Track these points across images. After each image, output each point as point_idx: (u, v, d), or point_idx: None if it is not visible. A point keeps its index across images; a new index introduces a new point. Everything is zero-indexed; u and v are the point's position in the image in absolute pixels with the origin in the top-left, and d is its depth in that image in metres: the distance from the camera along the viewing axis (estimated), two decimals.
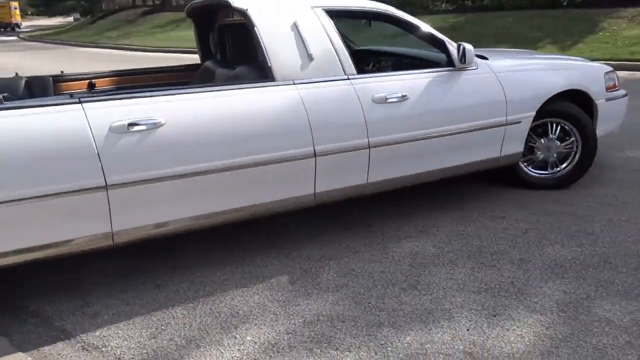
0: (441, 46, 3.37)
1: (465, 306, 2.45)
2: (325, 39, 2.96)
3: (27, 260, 2.33)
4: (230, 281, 2.74)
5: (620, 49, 11.00)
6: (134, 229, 2.50)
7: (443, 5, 18.44)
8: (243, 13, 2.91)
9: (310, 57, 2.88)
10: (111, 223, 2.43)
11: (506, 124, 3.39)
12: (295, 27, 2.90)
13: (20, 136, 2.22)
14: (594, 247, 2.97)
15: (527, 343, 2.18)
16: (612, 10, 14.18)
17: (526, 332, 2.25)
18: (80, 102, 2.37)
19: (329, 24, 3.01)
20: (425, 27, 3.38)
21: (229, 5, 2.99)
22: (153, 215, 2.52)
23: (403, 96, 3.04)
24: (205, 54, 3.96)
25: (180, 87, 2.70)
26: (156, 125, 2.44)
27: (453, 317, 2.37)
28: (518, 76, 3.49)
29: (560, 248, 2.98)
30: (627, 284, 2.60)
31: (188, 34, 20.99)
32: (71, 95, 2.46)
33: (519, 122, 3.44)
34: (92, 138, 2.33)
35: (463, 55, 3.22)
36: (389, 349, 2.17)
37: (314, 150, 2.79)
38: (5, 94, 2.87)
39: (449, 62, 3.33)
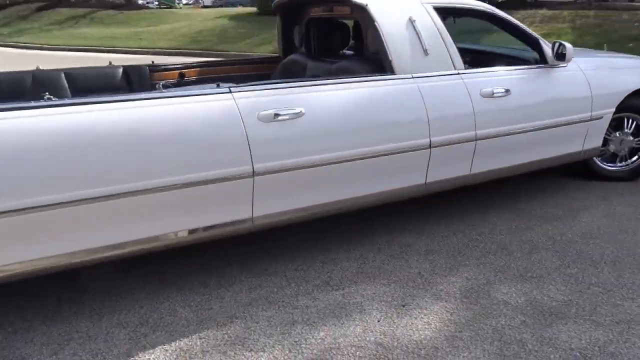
0: (535, 44, 3.50)
1: (376, 298, 2.53)
2: (437, 34, 3.05)
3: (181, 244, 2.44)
4: (139, 289, 2.64)
5: None
6: (274, 214, 2.59)
7: None
8: (362, 8, 2.97)
9: (425, 52, 2.97)
10: (252, 209, 2.51)
11: (590, 120, 3.54)
12: (410, 22, 3.00)
13: (177, 123, 2.29)
14: (493, 235, 3.18)
15: (434, 329, 2.28)
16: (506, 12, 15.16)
17: (432, 319, 2.36)
18: (230, 92, 2.45)
19: (438, 20, 3.09)
20: (521, 25, 3.54)
21: (346, 1, 3.14)
22: (293, 201, 2.61)
23: (507, 91, 3.17)
24: (286, 48, 4.00)
25: (317, 79, 2.80)
26: (298, 115, 2.52)
27: (364, 310, 2.43)
28: (602, 73, 3.66)
29: (462, 237, 3.15)
30: (522, 267, 2.80)
31: (90, 32, 20.07)
32: (218, 85, 2.58)
33: (600, 118, 3.59)
34: (243, 126, 2.40)
35: (562, 53, 3.36)
36: (303, 345, 2.19)
37: (430, 142, 2.89)
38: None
39: (542, 60, 3.46)
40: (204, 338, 2.25)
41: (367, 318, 2.37)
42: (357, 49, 3.73)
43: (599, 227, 3.25)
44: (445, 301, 2.50)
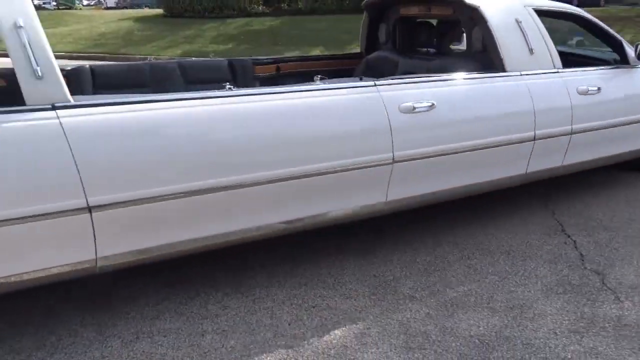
0: (619, 46, 3.74)
1: (287, 302, 2.54)
2: (539, 34, 3.29)
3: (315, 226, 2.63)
4: (33, 311, 2.47)
5: None
6: (405, 198, 2.83)
7: (260, 7, 18.81)
8: (474, 9, 3.20)
9: (531, 51, 3.21)
10: (387, 194, 2.73)
11: None
12: (517, 23, 3.22)
13: (328, 114, 2.51)
14: (398, 233, 3.29)
15: (343, 328, 2.33)
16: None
17: (342, 318, 2.41)
18: (375, 85, 2.66)
19: (539, 21, 3.33)
20: (607, 28, 3.76)
21: (458, 2, 3.31)
22: (423, 187, 2.87)
23: (599, 89, 3.41)
24: (369, 45, 4.24)
25: (445, 75, 3.00)
26: (431, 107, 2.75)
27: (275, 314, 2.43)
28: None
29: (366, 236, 3.24)
30: (426, 262, 2.93)
31: None
32: (361, 79, 2.81)
33: None
34: (387, 117, 2.61)
35: None
36: (213, 355, 2.15)
37: (535, 135, 3.13)
38: None
39: (623, 60, 3.73)
40: (107, 357, 2.15)
41: (277, 322, 2.37)
42: (441, 47, 3.98)
43: (495, 218, 3.48)
44: (354, 299, 2.56)
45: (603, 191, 3.96)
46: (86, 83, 3.12)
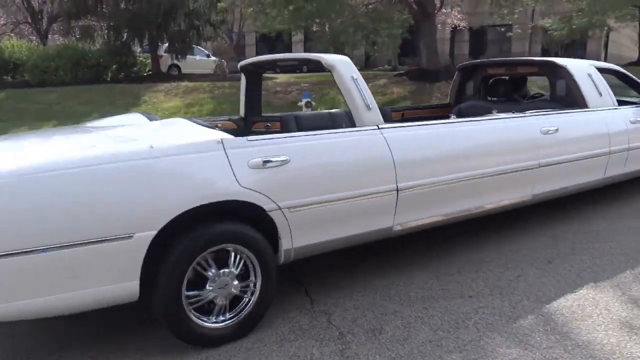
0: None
1: None
2: (603, 84, 4.77)
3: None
4: None
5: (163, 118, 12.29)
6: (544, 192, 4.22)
7: None
8: (561, 67, 4.75)
9: (600, 94, 4.67)
10: (533, 190, 4.12)
11: None
12: (589, 76, 4.72)
13: (497, 135, 3.92)
14: None
15: None
16: (151, 85, 15.78)
17: None
18: (521, 117, 4.15)
19: (600, 75, 4.83)
20: (636, 79, 5.32)
21: (550, 65, 4.92)
22: (559, 183, 4.29)
23: (638, 120, 4.86)
24: (457, 97, 5.60)
25: (561, 110, 4.48)
26: (557, 131, 4.14)
27: None
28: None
29: None
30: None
31: None
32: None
33: None
34: (534, 137, 4.03)
35: None
36: None
37: (609, 151, 4.51)
38: None
39: None
40: None
41: None
42: (518, 95, 5.38)
43: None
44: None
45: None
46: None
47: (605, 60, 32.35)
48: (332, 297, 3.22)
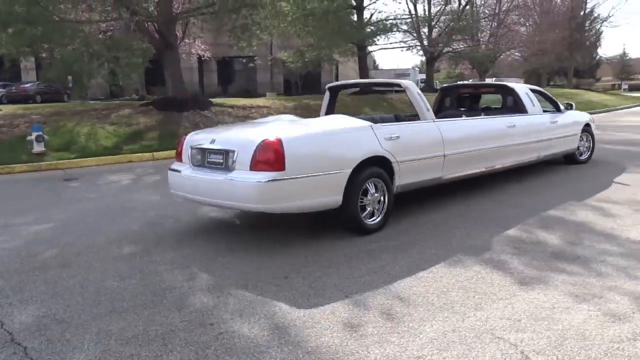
0: (556, 104, 8.26)
1: None
2: (534, 98, 7.75)
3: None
4: None
5: None
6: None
7: None
8: (512, 90, 7.74)
9: (533, 104, 7.59)
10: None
11: (572, 135, 8.28)
12: (527, 94, 7.70)
13: (492, 127, 6.87)
14: None
15: None
16: None
17: None
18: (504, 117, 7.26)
19: (532, 93, 7.88)
20: (551, 96, 8.32)
21: (504, 87, 7.99)
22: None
23: (556, 121, 7.78)
24: (439, 108, 8.56)
25: (511, 115, 7.49)
26: (514, 126, 6.91)
27: None
28: (567, 117, 8.30)
29: None
30: None
31: None
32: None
33: (575, 134, 8.36)
34: (505, 129, 6.83)
35: (570, 107, 8.58)
36: None
37: (539, 139, 7.39)
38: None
39: (558, 110, 8.18)
40: None
41: None
42: (479, 106, 8.67)
43: None
44: None
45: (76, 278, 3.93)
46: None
47: None
48: (57, 353, 2.85)
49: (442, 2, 29.94)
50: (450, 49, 31.49)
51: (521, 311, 3.26)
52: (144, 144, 12.82)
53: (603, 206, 5.84)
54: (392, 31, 25.30)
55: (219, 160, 4.73)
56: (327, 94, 7.09)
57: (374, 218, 5.02)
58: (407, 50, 29.16)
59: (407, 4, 28.20)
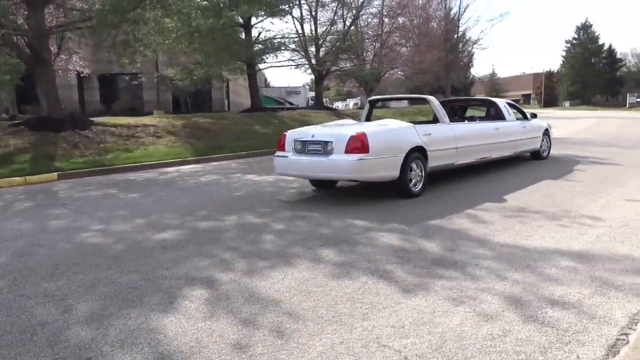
0: (524, 114, 11.63)
1: None
2: (510, 109, 10.86)
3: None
4: None
5: None
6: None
7: None
8: (493, 103, 11.11)
9: (509, 113, 10.65)
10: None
11: (537, 137, 11.39)
12: (505, 106, 10.79)
13: (486, 129, 9.91)
14: None
15: None
16: None
17: None
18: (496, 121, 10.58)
19: (508, 105, 11.05)
20: (520, 108, 12.08)
21: (488, 100, 11.82)
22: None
23: (525, 126, 10.94)
24: (434, 118, 9.53)
25: (496, 120, 10.60)
26: (499, 129, 10.05)
27: None
28: (533, 123, 11.43)
29: None
30: None
31: None
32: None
33: (538, 137, 11.50)
34: (494, 129, 9.85)
35: (535, 116, 11.86)
36: None
37: (510, 140, 10.15)
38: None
39: (526, 118, 11.43)
40: None
41: None
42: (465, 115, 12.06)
43: None
44: None
45: None
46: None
47: (228, 107, 36.30)
48: None
49: (328, 23, 30.98)
50: (338, 68, 32.57)
51: (405, 318, 3.40)
52: (15, 168, 11.77)
53: (477, 214, 6.32)
54: (280, 50, 25.62)
55: (318, 148, 7.31)
56: (367, 105, 10.32)
57: (417, 187, 7.58)
58: (295, 68, 29.62)
59: (294, 23, 28.75)
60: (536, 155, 11.66)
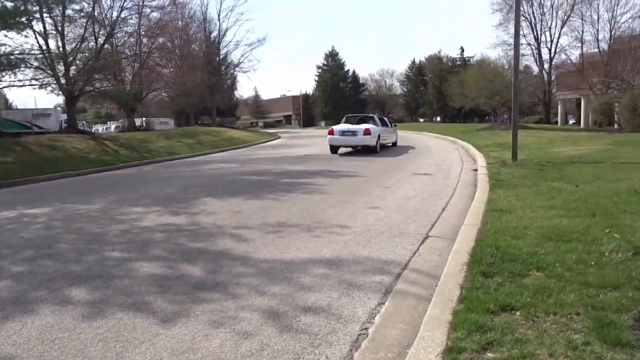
0: (391, 124, 25.61)
1: None
2: (386, 120, 24.89)
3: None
4: None
5: None
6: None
7: None
8: (382, 119, 24.18)
9: (387, 123, 24.37)
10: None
11: (394, 135, 24.35)
12: (384, 119, 24.66)
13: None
14: None
15: None
16: None
17: None
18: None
19: (381, 118, 24.50)
20: (387, 120, 26.29)
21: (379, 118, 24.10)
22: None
23: (392, 130, 24.44)
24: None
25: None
26: (383, 131, 22.25)
27: None
28: (394, 128, 25.34)
29: None
30: None
31: None
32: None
33: (394, 134, 24.61)
34: (378, 132, 21.18)
35: (395, 125, 26.74)
36: None
37: (391, 135, 23.60)
38: None
39: (392, 125, 25.41)
40: None
41: None
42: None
43: None
44: None
45: None
46: None
47: None
48: None
49: (78, 39, 28.65)
50: (92, 88, 30.32)
51: (163, 349, 3.27)
52: None
53: (240, 233, 6.47)
54: (19, 67, 22.75)
55: (350, 133, 19.46)
56: (345, 119, 22.02)
57: (377, 149, 19.77)
58: (40, 88, 26.50)
59: (36, 38, 25.68)
60: (394, 144, 23.70)
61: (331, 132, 19.81)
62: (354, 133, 19.39)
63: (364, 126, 19.61)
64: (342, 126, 20.03)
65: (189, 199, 9.45)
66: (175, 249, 5.77)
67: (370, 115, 23.50)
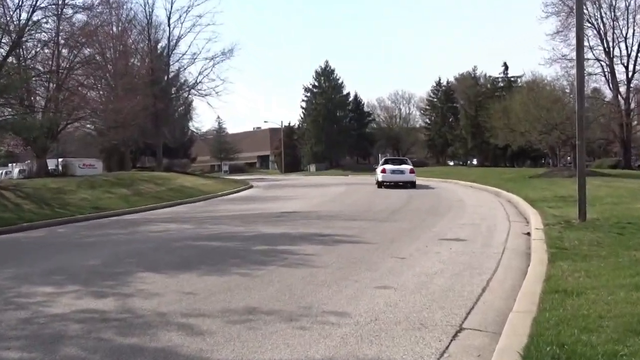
0: (408, 161, 45.57)
1: None
2: (406, 159, 54.30)
3: None
4: None
5: None
6: None
7: None
8: (406, 160, 50.32)
9: (409, 163, 43.87)
10: None
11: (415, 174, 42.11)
12: (408, 160, 52.78)
13: None
14: None
15: None
16: None
17: None
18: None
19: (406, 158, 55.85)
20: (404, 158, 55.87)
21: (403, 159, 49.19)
22: None
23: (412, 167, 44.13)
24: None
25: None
26: None
27: None
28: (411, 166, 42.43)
29: None
30: None
31: None
32: None
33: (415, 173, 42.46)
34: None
35: (407, 162, 43.95)
36: None
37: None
38: None
39: (408, 163, 43.67)
40: None
41: None
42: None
43: None
44: None
45: None
46: None
47: None
48: None
49: None
50: None
51: None
52: None
53: (194, 323, 6.37)
54: None
55: (399, 172, 36.93)
56: (385, 160, 43.06)
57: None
58: None
59: None
60: (413, 184, 35.83)
61: (384, 171, 36.38)
62: (402, 172, 36.26)
63: (407, 166, 37.42)
64: (392, 166, 37.36)
65: (120, 275, 9.37)
66: (98, 347, 5.66)
67: (405, 158, 43.24)
